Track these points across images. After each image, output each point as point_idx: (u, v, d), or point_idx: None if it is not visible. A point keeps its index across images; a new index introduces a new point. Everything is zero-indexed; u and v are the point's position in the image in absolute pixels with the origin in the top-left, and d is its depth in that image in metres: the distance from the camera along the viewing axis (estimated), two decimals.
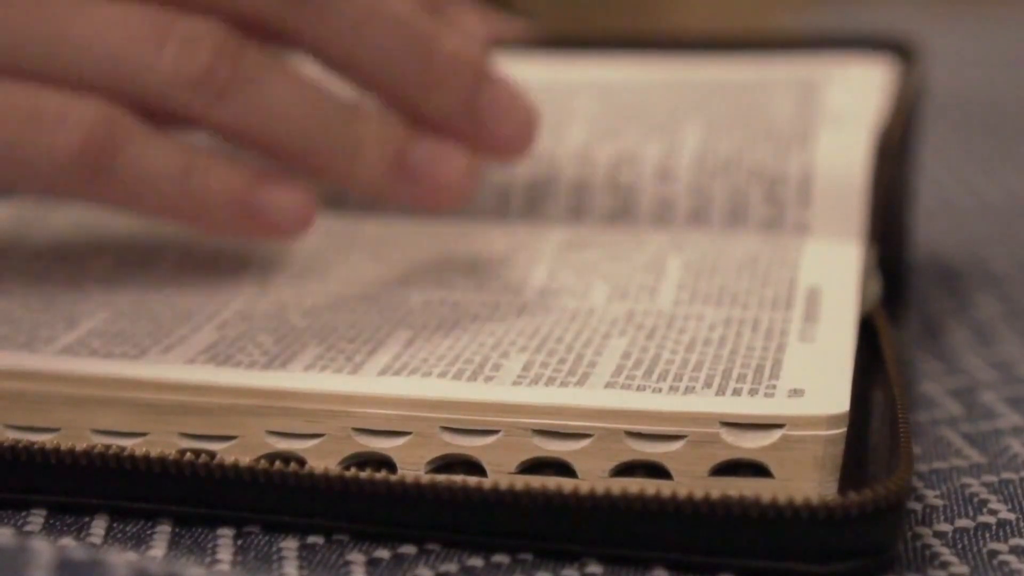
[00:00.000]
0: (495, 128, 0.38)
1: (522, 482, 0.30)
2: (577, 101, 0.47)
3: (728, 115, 0.45)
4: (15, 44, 0.36)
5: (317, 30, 0.37)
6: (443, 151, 0.37)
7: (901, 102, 0.44)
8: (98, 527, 0.32)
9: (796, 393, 0.32)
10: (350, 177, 0.37)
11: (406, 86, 0.37)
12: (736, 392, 0.32)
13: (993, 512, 0.33)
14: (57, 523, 0.32)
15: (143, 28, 0.36)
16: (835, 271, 0.38)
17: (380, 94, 0.38)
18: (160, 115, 0.37)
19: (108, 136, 0.36)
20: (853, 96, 0.45)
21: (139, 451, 0.32)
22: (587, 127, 0.45)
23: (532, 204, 0.43)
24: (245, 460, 0.32)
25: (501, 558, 0.31)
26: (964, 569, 0.31)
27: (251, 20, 0.37)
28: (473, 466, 0.32)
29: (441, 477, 0.31)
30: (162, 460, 0.32)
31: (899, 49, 0.48)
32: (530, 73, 0.49)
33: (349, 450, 0.32)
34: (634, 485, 0.30)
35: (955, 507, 0.33)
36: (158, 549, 0.31)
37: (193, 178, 0.37)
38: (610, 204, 0.42)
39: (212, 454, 0.32)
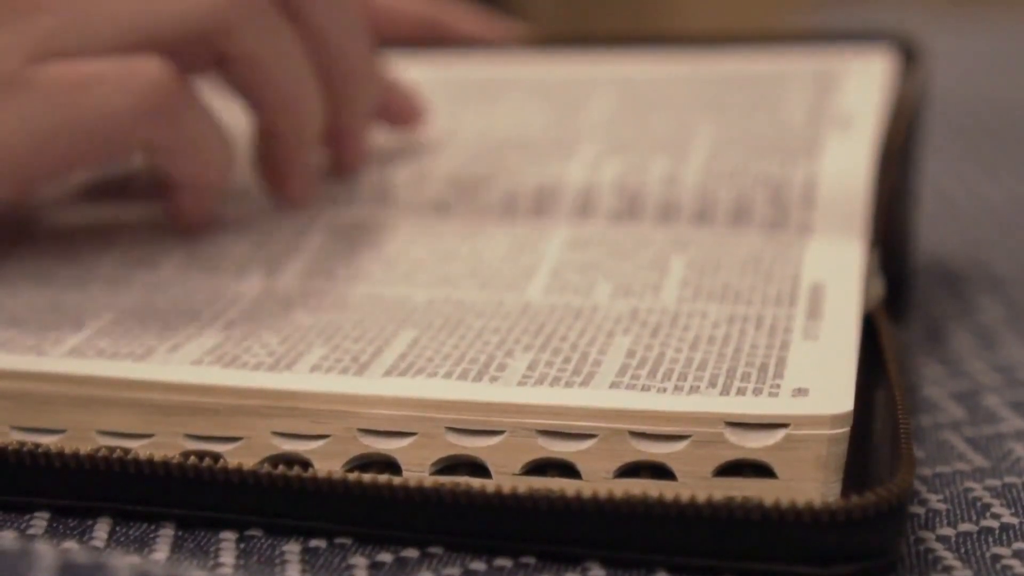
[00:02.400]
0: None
1: (524, 485, 0.30)
2: (592, 99, 0.47)
3: (738, 124, 0.45)
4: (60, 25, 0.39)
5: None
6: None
7: (904, 105, 0.45)
8: (101, 530, 0.32)
9: (800, 392, 0.32)
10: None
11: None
12: (740, 391, 0.32)
13: (996, 516, 0.33)
14: (60, 526, 0.32)
15: None
16: (838, 267, 0.38)
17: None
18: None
19: (171, 80, 0.38)
20: (859, 95, 0.45)
21: (142, 454, 0.32)
22: (597, 146, 0.45)
23: (539, 206, 0.43)
24: (250, 462, 0.32)
25: (503, 561, 0.31)
26: (967, 573, 0.31)
27: None
28: (477, 467, 0.32)
29: (444, 480, 0.31)
30: (165, 463, 0.32)
31: (902, 44, 0.48)
32: (542, 73, 0.50)
33: (354, 451, 0.32)
34: (637, 487, 0.30)
35: (958, 511, 0.33)
36: (161, 552, 0.31)
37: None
38: (616, 206, 0.42)
39: (217, 456, 0.32)
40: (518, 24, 0.56)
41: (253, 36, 0.40)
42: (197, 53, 0.39)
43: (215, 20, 0.39)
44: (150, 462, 0.32)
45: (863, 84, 0.46)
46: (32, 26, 0.38)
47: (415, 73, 0.49)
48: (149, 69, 0.38)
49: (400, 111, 0.46)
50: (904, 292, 0.45)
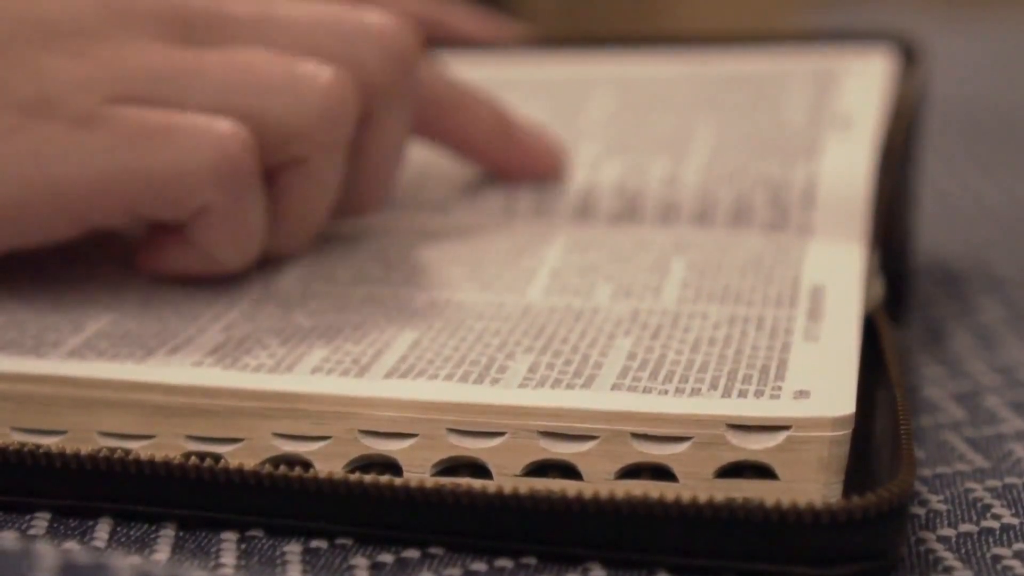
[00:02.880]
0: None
1: (525, 486, 0.30)
2: (592, 99, 0.47)
3: (738, 124, 0.45)
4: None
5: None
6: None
7: (903, 105, 0.45)
8: (102, 530, 0.32)
9: (802, 395, 0.32)
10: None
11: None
12: (742, 394, 0.32)
13: (997, 517, 0.33)
14: (61, 526, 0.32)
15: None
16: (838, 269, 0.38)
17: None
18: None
19: (251, 153, 0.37)
20: (858, 95, 0.46)
21: (144, 455, 0.32)
22: (597, 145, 0.45)
23: (539, 207, 0.43)
24: (251, 463, 0.32)
25: (504, 562, 0.31)
26: (968, 574, 0.31)
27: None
28: (479, 468, 0.32)
29: (445, 481, 0.31)
30: (166, 464, 0.32)
31: (902, 45, 0.48)
32: (542, 73, 0.50)
33: (355, 452, 0.32)
34: (638, 488, 0.30)
35: (959, 512, 0.33)
36: (162, 553, 0.31)
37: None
38: (616, 207, 0.42)
39: (218, 457, 0.32)
40: (518, 24, 0.56)
41: (326, 154, 0.38)
42: (274, 149, 0.37)
43: (313, 124, 0.37)
44: (151, 462, 0.32)
45: (863, 84, 0.46)
46: (123, 65, 0.36)
47: None
48: (235, 134, 0.36)
49: (535, 164, 0.44)
50: (904, 293, 0.45)
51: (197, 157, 0.36)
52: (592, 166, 0.44)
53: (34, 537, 0.32)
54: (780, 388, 0.32)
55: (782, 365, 0.33)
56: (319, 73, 0.37)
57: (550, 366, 0.33)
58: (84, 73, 0.36)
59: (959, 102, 0.68)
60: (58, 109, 0.36)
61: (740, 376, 0.33)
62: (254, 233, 0.38)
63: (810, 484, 0.30)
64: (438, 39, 0.53)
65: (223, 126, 0.36)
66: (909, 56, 0.48)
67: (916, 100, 0.45)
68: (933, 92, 0.50)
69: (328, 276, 0.39)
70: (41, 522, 0.32)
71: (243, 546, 0.32)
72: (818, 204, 0.41)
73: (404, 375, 0.33)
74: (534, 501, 0.30)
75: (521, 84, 0.49)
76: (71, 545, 0.31)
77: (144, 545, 0.32)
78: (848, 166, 0.42)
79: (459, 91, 0.43)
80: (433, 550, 0.31)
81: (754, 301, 0.36)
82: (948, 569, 0.31)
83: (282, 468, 0.31)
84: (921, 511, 0.33)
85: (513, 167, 0.44)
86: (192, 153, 0.36)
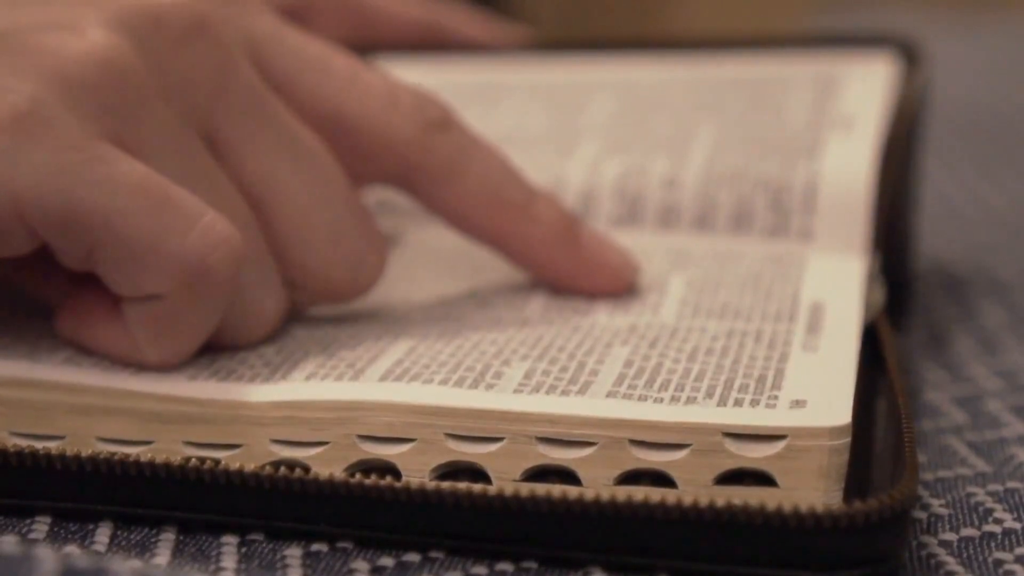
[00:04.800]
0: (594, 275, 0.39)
1: (526, 489, 0.30)
2: (592, 102, 0.47)
3: (739, 124, 0.45)
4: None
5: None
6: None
7: (905, 108, 0.44)
8: (102, 534, 0.32)
9: (798, 404, 0.32)
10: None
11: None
12: (738, 403, 0.32)
13: (998, 521, 0.33)
14: (61, 530, 0.32)
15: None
16: (838, 285, 0.38)
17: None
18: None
19: (234, 260, 0.33)
20: (861, 97, 0.45)
21: (144, 458, 0.32)
22: (597, 143, 0.45)
23: None
24: (250, 467, 0.32)
25: (505, 566, 0.31)
26: None
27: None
28: (478, 474, 0.32)
29: (445, 484, 0.31)
30: (167, 466, 0.32)
31: (904, 48, 0.48)
32: (543, 76, 0.50)
33: (354, 457, 0.32)
34: (639, 493, 0.30)
35: (960, 516, 0.33)
36: (162, 557, 0.31)
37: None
38: (616, 211, 0.42)
39: (217, 461, 0.32)
40: (518, 27, 0.56)
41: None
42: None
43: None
44: (151, 464, 0.32)
45: (865, 88, 0.46)
46: (138, 111, 0.33)
47: (415, 77, 0.49)
48: (227, 241, 0.33)
49: (602, 278, 0.39)
50: (906, 296, 0.45)
51: (175, 242, 0.33)
52: (592, 167, 0.44)
53: (34, 541, 0.32)
54: (776, 397, 0.32)
55: (779, 375, 0.33)
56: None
57: (546, 372, 0.33)
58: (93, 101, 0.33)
59: (961, 105, 0.68)
60: (50, 126, 0.32)
61: (736, 385, 0.33)
62: (190, 344, 0.34)
63: (810, 491, 0.30)
64: (438, 42, 0.53)
65: (220, 226, 0.33)
66: (911, 59, 0.48)
67: (918, 103, 0.45)
68: (935, 95, 0.50)
69: None
70: (41, 526, 0.32)
71: (243, 550, 0.32)
72: (819, 208, 0.41)
73: (399, 378, 0.33)
74: (535, 504, 0.30)
75: (521, 87, 0.49)
76: (71, 549, 0.31)
77: (144, 549, 0.32)
78: (849, 169, 0.42)
79: (517, 186, 0.38)
80: (434, 554, 0.31)
81: (753, 317, 0.36)
82: (950, 573, 0.31)
83: (282, 470, 0.31)
84: (923, 515, 0.33)
85: (577, 279, 0.38)
86: (171, 235, 0.33)
